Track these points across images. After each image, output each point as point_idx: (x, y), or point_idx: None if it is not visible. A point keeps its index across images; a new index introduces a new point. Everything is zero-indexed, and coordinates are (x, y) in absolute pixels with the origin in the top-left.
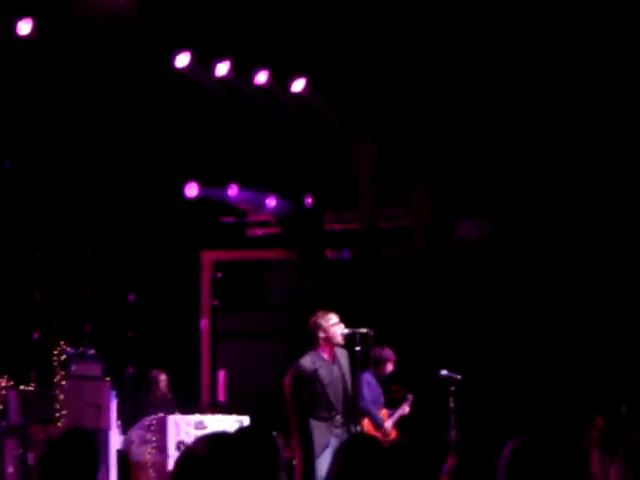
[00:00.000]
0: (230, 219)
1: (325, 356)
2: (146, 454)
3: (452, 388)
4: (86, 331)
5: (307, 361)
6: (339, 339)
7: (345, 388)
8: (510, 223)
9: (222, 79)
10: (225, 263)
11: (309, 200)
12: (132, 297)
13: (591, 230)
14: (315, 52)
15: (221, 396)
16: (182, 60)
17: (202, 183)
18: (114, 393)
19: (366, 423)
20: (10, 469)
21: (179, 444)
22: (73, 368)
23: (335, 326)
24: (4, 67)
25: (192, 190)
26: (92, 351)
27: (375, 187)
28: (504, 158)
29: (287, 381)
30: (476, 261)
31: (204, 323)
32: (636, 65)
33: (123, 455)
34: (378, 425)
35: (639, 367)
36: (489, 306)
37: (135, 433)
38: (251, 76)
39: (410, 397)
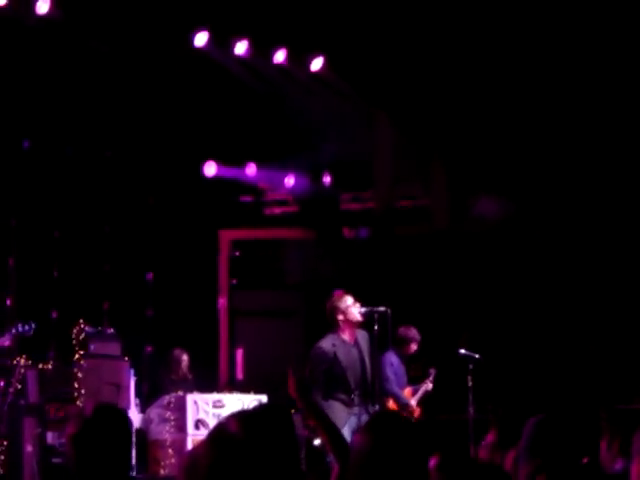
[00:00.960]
0: (248, 198)
1: (346, 337)
2: (165, 432)
3: (470, 367)
4: (105, 310)
5: (326, 343)
6: (359, 318)
7: (364, 370)
8: (531, 201)
9: (240, 58)
10: (243, 242)
11: (327, 179)
12: (150, 276)
13: (614, 210)
14: (333, 30)
15: (239, 374)
16: (200, 39)
17: (220, 162)
18: (132, 372)
19: (391, 403)
20: (29, 448)
21: (198, 422)
22: (92, 347)
23: (352, 307)
24: (23, 46)
25: (210, 169)
26: (111, 330)
27: (393, 166)
28: (525, 135)
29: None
30: (495, 239)
31: (222, 302)
32: None
33: (142, 433)
34: (403, 404)
35: None
36: (508, 285)
37: (154, 412)
38: (269, 55)
39: (432, 372)
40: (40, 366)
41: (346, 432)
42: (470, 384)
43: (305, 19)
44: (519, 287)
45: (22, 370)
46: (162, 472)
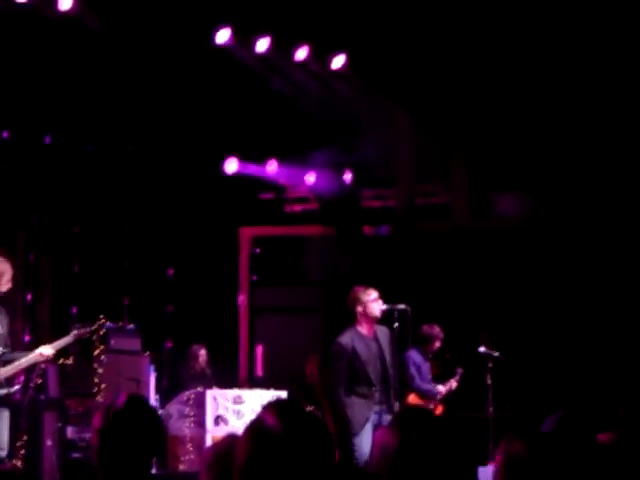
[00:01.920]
0: (269, 195)
1: (364, 332)
2: (184, 428)
3: (490, 365)
4: (125, 305)
5: (345, 338)
6: (377, 314)
7: (384, 365)
8: (552, 198)
9: (262, 55)
10: (264, 239)
11: (348, 176)
12: (171, 272)
13: (637, 208)
14: (354, 28)
15: (259, 371)
16: (222, 36)
17: (241, 159)
18: (153, 367)
19: (411, 398)
20: (49, 442)
21: (217, 418)
22: (112, 342)
23: (374, 302)
24: (45, 41)
25: (231, 166)
26: (131, 325)
27: (414, 163)
28: (547, 132)
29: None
30: (515, 236)
31: (242, 298)
32: None
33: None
34: (431, 396)
35: None
36: (528, 282)
37: (174, 407)
38: (291, 52)
39: (459, 371)
40: (60, 361)
41: (368, 429)
42: (489, 382)
43: (327, 17)
44: (539, 285)
45: (42, 365)
46: (181, 468)
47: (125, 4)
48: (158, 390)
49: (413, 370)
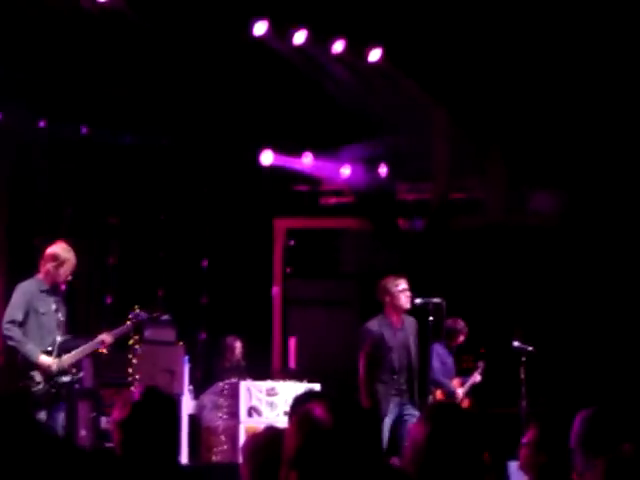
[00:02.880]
0: (304, 187)
1: (392, 321)
2: (218, 419)
3: (523, 359)
4: (160, 296)
5: (373, 324)
6: (405, 305)
7: (409, 356)
8: (587, 195)
9: (299, 47)
10: (298, 231)
11: (384, 169)
12: (205, 263)
13: None
14: (391, 21)
15: (292, 363)
16: (260, 28)
17: (277, 151)
18: (187, 358)
19: (438, 394)
20: (83, 432)
21: (251, 410)
22: (147, 333)
23: (403, 292)
24: (82, 33)
25: (267, 158)
26: (166, 316)
27: (450, 157)
28: (584, 129)
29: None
30: (550, 233)
31: (276, 290)
32: None
33: (195, 420)
34: (450, 393)
35: None
36: (562, 278)
37: (207, 398)
38: (328, 45)
39: (481, 365)
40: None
41: (387, 420)
42: (523, 377)
43: (364, 10)
44: (573, 280)
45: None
46: (214, 459)
47: None
48: (192, 381)
49: (436, 363)
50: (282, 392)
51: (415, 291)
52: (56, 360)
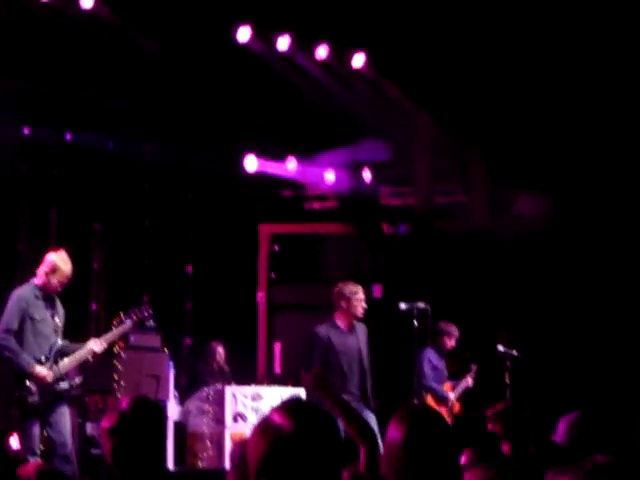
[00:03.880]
0: (288, 193)
1: (341, 325)
2: (203, 425)
3: (508, 364)
4: (145, 302)
5: (322, 328)
6: (359, 313)
7: (361, 361)
8: (571, 199)
9: (283, 53)
10: (283, 236)
11: (367, 174)
12: (190, 269)
13: None
14: (374, 27)
15: (277, 368)
16: (243, 34)
17: (261, 157)
18: (172, 364)
19: (429, 400)
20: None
21: (236, 416)
22: (132, 339)
23: (358, 300)
24: (66, 41)
25: (251, 163)
26: (151, 322)
27: (433, 162)
28: (566, 132)
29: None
30: (534, 237)
31: (261, 296)
32: None
33: (180, 426)
34: (441, 398)
35: None
36: (546, 282)
37: (193, 404)
38: (311, 50)
39: (474, 368)
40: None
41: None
42: (508, 381)
43: (346, 15)
44: (557, 284)
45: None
46: (200, 464)
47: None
48: (177, 387)
49: (427, 369)
50: (267, 397)
51: (400, 295)
52: (52, 369)
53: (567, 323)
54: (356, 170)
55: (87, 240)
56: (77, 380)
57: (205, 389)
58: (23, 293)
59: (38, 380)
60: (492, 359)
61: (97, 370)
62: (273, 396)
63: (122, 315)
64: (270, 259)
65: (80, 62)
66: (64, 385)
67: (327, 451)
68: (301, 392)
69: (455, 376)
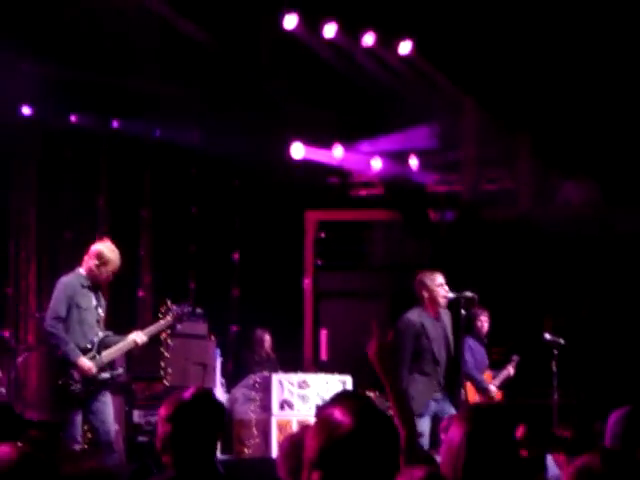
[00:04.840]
0: (335, 179)
1: (430, 314)
2: (250, 412)
3: (555, 352)
4: (191, 289)
5: (414, 314)
6: (442, 301)
7: (448, 348)
8: (617, 186)
9: (330, 41)
10: (329, 223)
11: (414, 161)
12: (237, 256)
13: None
14: (421, 14)
15: (323, 355)
16: (290, 21)
17: (307, 144)
18: (218, 351)
19: (469, 387)
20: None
21: (283, 403)
22: (179, 327)
23: (440, 287)
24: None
25: (298, 150)
26: (198, 309)
27: (480, 148)
28: (614, 119)
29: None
30: (580, 223)
31: (307, 282)
32: None
33: (227, 413)
34: (482, 389)
35: None
36: (593, 269)
37: (239, 391)
38: (358, 38)
39: (515, 358)
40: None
41: (427, 417)
42: (555, 370)
43: (394, 2)
44: (604, 272)
45: None
46: (246, 452)
47: None
48: (224, 374)
49: (468, 355)
50: (314, 385)
51: (447, 283)
52: (95, 360)
53: (614, 312)
54: (402, 157)
55: (134, 227)
56: (120, 370)
57: (252, 376)
58: (70, 281)
59: (82, 371)
60: (538, 348)
61: (144, 358)
62: (319, 383)
63: (168, 303)
64: (316, 246)
65: (127, 49)
66: (106, 375)
67: (383, 452)
68: (347, 379)
69: (497, 365)
